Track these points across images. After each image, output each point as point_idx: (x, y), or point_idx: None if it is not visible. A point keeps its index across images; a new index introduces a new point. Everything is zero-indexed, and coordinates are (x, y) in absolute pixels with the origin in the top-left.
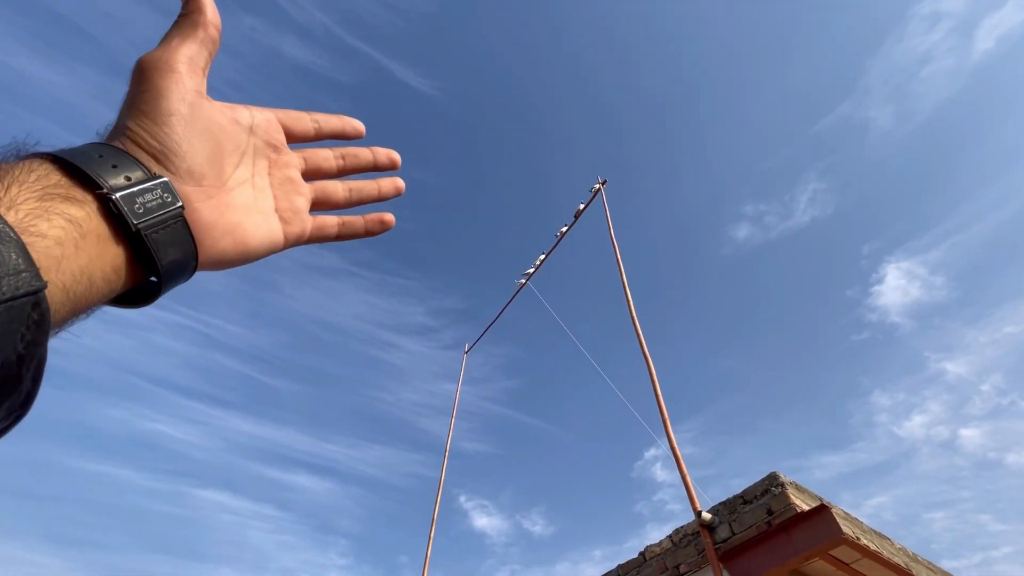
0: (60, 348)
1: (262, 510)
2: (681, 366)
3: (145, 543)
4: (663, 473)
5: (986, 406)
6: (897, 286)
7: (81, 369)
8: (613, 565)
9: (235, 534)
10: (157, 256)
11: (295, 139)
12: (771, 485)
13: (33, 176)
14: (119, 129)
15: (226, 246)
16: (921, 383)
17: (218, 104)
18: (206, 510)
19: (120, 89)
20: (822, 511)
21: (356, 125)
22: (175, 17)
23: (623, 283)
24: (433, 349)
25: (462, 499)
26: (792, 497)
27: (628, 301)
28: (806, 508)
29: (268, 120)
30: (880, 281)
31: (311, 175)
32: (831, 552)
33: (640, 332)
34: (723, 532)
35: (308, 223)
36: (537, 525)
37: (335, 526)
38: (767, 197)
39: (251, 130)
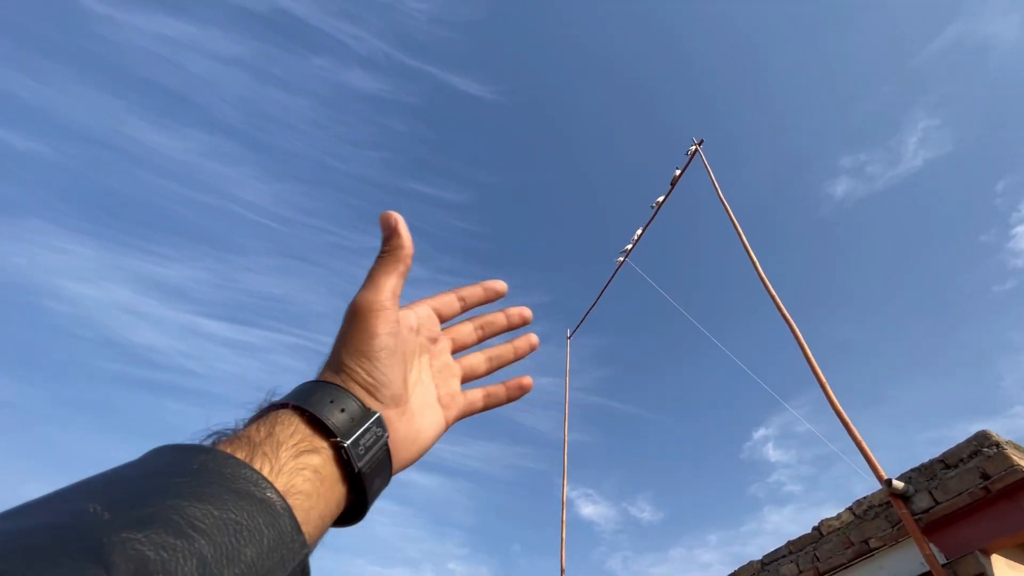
0: (201, 373)
1: (384, 505)
2: (787, 338)
3: None
4: (777, 453)
5: None
6: None
7: (220, 391)
8: (729, 550)
9: (363, 528)
10: (369, 491)
11: (446, 320)
12: (982, 445)
13: (288, 432)
14: (337, 365)
15: (411, 454)
16: None
17: (402, 317)
18: None
19: (223, 145)
20: None
21: (497, 288)
22: (377, 244)
23: (742, 241)
24: None
25: (567, 488)
26: (1014, 457)
27: (752, 259)
28: None
29: (428, 315)
30: (1022, 220)
31: (456, 351)
32: None
33: (772, 290)
34: (922, 501)
35: (462, 403)
36: (645, 512)
37: (449, 518)
38: (867, 145)
39: (418, 330)
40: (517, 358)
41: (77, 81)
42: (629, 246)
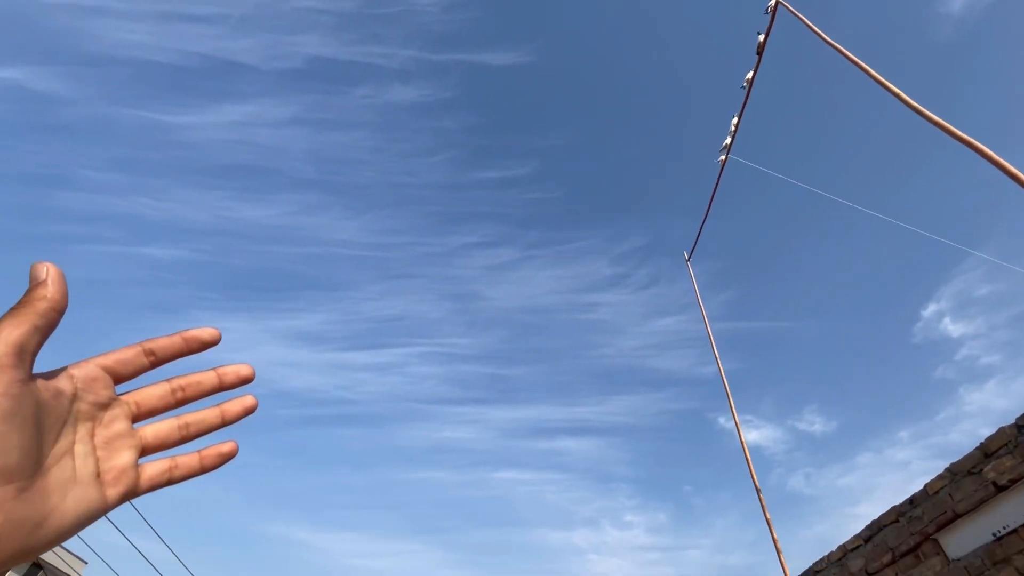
0: (357, 399)
1: (547, 476)
2: (951, 181)
3: (474, 522)
4: (958, 326)
5: None
6: None
7: (377, 411)
8: (928, 443)
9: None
10: None
11: (128, 379)
12: None
13: None
14: None
15: (37, 540)
16: None
17: (40, 380)
18: (505, 487)
19: (308, 199)
20: None
21: (202, 337)
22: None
23: (871, 75)
24: (631, 293)
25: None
26: None
27: (892, 89)
28: None
29: (92, 378)
30: None
31: (145, 416)
32: None
33: (931, 115)
34: None
35: (135, 478)
36: (815, 424)
37: (612, 474)
38: None
39: (75, 396)
40: (225, 423)
41: (181, 187)
42: (728, 139)
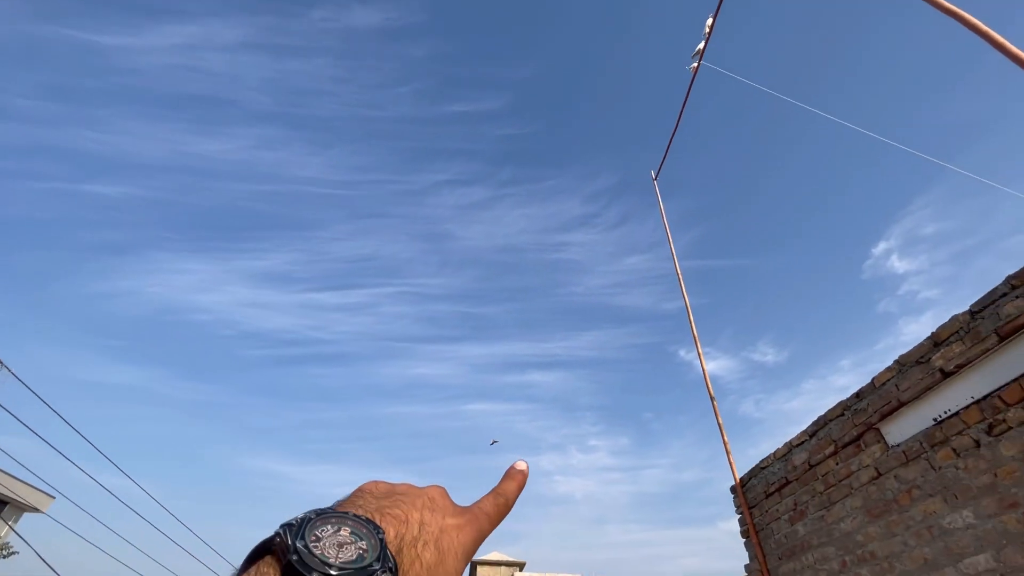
0: (329, 339)
1: (516, 407)
2: (884, 147)
3: (450, 450)
4: (904, 263)
5: None
6: None
7: (352, 349)
8: (866, 370)
9: (506, 429)
10: None
11: None
12: None
13: None
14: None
15: None
16: None
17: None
18: (478, 417)
19: (267, 133)
20: None
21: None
22: None
23: None
24: (601, 232)
25: (682, 353)
26: None
27: None
28: None
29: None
30: None
31: None
32: None
33: None
34: None
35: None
36: (768, 355)
37: (578, 403)
38: None
39: None
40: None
41: (127, 117)
42: (701, 44)
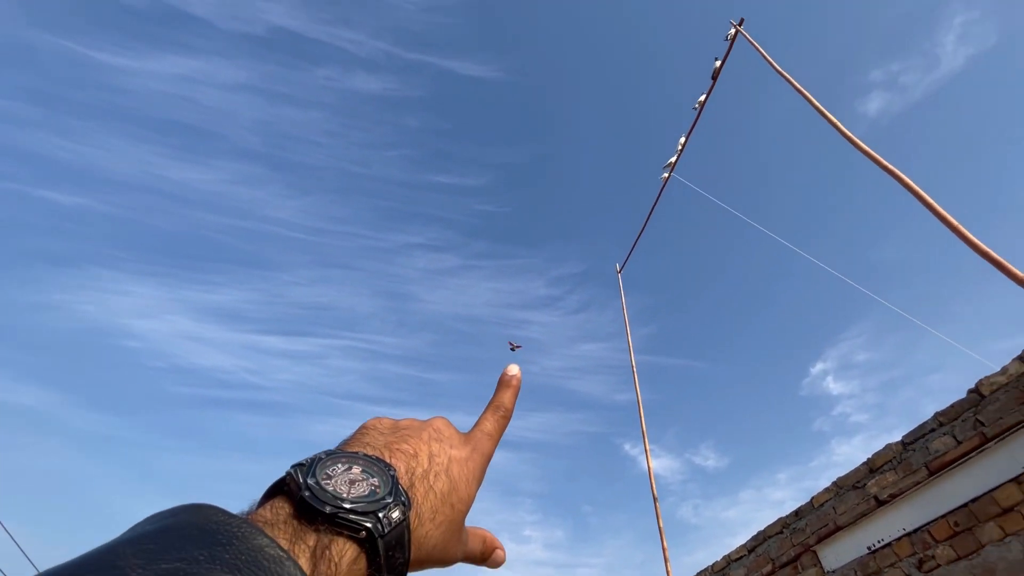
0: (267, 386)
1: None
2: (828, 274)
3: None
4: (838, 385)
5: None
6: None
7: (288, 399)
8: (800, 487)
9: None
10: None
11: None
12: None
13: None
14: (427, 545)
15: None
16: None
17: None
18: None
19: (248, 170)
20: None
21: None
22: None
23: (814, 106)
24: (562, 316)
25: (627, 447)
26: None
27: (837, 126)
28: None
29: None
30: None
31: None
32: None
33: (872, 152)
34: None
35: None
36: (709, 460)
37: (519, 488)
38: (899, 52)
39: None
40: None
41: (106, 133)
42: (674, 158)
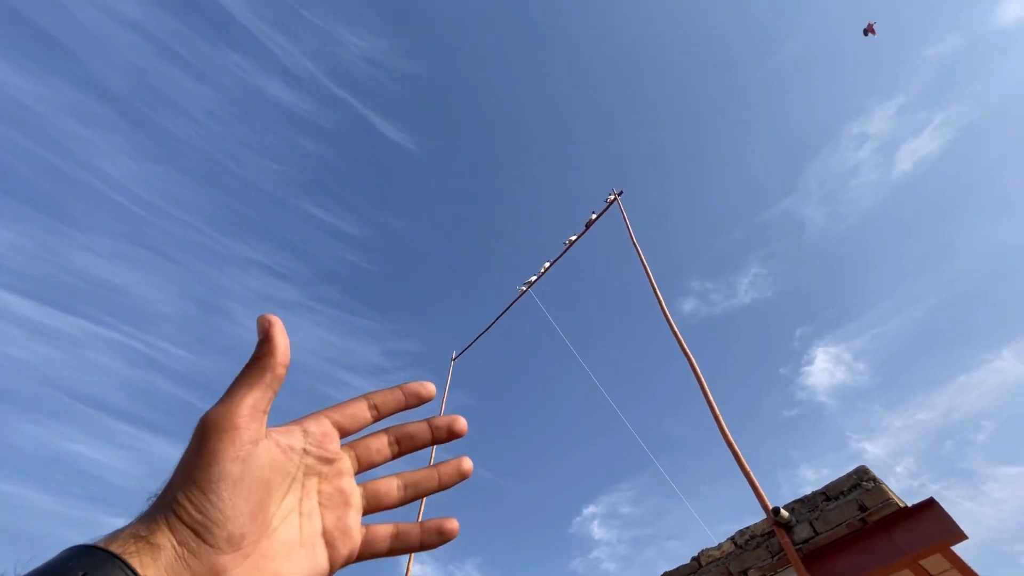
0: None
1: None
2: (625, 426)
3: None
4: (601, 531)
5: (899, 487)
6: (825, 368)
7: (7, 385)
8: None
9: None
10: None
11: (352, 433)
12: (861, 479)
13: None
14: (166, 500)
15: None
16: (844, 460)
17: (274, 436)
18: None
19: (94, 108)
20: (932, 506)
21: (422, 393)
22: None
23: (654, 290)
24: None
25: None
26: (890, 492)
27: (664, 310)
28: (907, 504)
29: (324, 433)
30: (810, 363)
31: (363, 470)
32: (921, 562)
33: (680, 336)
34: (803, 532)
35: (357, 541)
36: None
37: None
38: (713, 275)
39: (304, 451)
40: (442, 487)
41: None
42: (534, 277)
